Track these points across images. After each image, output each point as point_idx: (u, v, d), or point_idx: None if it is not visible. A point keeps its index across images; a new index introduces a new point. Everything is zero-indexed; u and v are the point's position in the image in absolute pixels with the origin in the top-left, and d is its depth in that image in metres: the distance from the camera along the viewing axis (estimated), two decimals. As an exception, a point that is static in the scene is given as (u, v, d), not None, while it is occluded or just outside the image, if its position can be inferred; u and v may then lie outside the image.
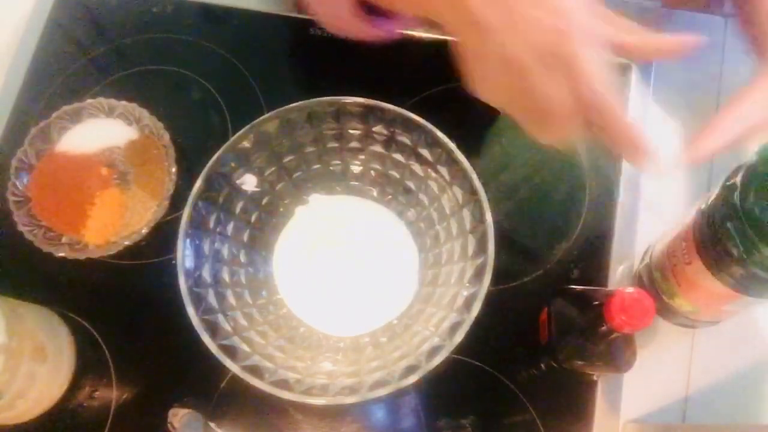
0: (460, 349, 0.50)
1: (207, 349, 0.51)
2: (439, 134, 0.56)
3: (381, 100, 0.57)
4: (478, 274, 0.54)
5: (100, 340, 0.63)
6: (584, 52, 0.39)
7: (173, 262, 0.54)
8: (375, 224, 0.65)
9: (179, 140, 0.67)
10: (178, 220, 0.55)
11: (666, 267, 0.55)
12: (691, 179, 0.67)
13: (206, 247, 0.58)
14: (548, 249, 0.65)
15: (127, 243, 0.63)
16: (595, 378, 0.60)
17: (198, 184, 0.56)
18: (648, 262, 0.60)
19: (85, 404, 0.61)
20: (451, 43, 0.44)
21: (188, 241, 0.55)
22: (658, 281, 0.57)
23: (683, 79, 0.70)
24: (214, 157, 0.56)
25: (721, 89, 0.70)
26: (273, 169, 0.63)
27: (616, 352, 0.54)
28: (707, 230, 0.48)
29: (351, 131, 0.61)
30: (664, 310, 0.59)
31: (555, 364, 0.56)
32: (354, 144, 0.63)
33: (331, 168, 0.65)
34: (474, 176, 0.55)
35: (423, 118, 0.57)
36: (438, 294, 0.59)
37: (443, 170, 0.60)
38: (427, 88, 0.71)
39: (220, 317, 0.55)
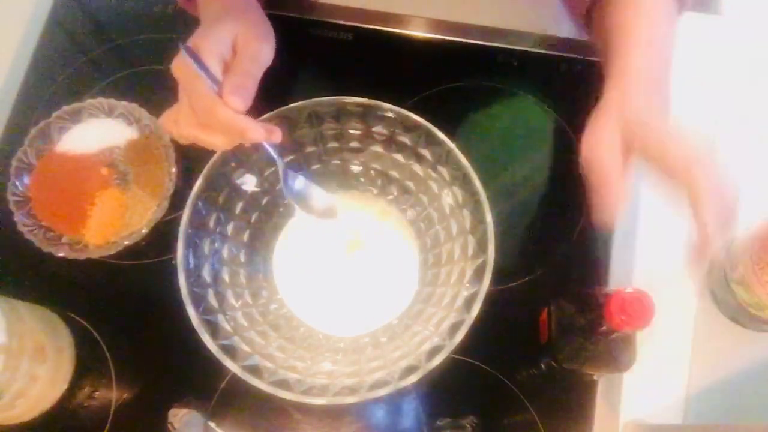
0: (460, 349, 0.50)
1: (207, 349, 0.51)
2: (439, 134, 0.56)
3: (381, 100, 0.57)
4: (478, 274, 0.54)
5: (100, 340, 0.63)
6: None
7: (173, 262, 0.54)
8: (375, 224, 0.65)
9: (179, 140, 0.67)
10: (178, 220, 0.55)
11: (754, 282, 0.55)
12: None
13: (206, 247, 0.58)
14: (548, 249, 0.65)
15: (127, 243, 0.63)
16: (595, 378, 0.60)
17: (198, 184, 0.56)
18: (722, 278, 0.60)
19: (85, 404, 0.61)
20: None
21: (188, 241, 0.55)
22: (741, 295, 0.58)
23: (682, 78, 0.70)
24: (214, 157, 0.56)
25: (719, 89, 0.70)
26: (273, 169, 0.63)
27: (616, 352, 0.54)
28: None
29: (351, 131, 0.61)
30: (747, 320, 0.60)
31: (555, 364, 0.56)
32: (354, 144, 0.63)
33: (331, 168, 0.65)
34: (474, 176, 0.55)
35: (423, 118, 0.57)
36: (438, 294, 0.59)
37: (443, 170, 0.60)
38: (427, 88, 0.71)
39: (220, 317, 0.55)
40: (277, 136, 0.52)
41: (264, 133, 0.50)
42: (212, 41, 0.51)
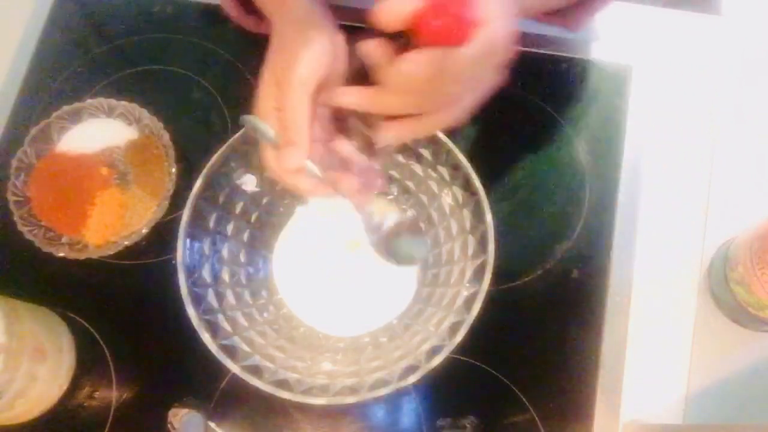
0: (460, 349, 0.50)
1: (207, 349, 0.51)
2: (439, 134, 0.56)
3: (381, 100, 0.57)
4: (478, 274, 0.54)
5: (100, 340, 0.63)
6: None
7: (173, 262, 0.54)
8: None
9: (179, 140, 0.67)
10: (178, 220, 0.55)
11: (754, 282, 0.55)
12: (691, 176, 0.67)
13: (206, 247, 0.58)
14: (548, 249, 0.65)
15: (127, 243, 0.63)
16: None
17: (198, 183, 0.56)
18: (722, 278, 0.60)
19: (85, 404, 0.61)
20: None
21: (188, 241, 0.55)
22: (741, 295, 0.58)
23: (682, 78, 0.70)
24: (214, 157, 0.56)
25: (719, 89, 0.70)
26: (273, 169, 0.63)
27: None
28: None
29: (351, 131, 0.61)
30: (747, 320, 0.60)
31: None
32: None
33: (331, 168, 0.65)
34: (474, 176, 0.55)
35: (423, 118, 0.57)
36: (438, 294, 0.59)
37: (443, 170, 0.60)
38: (427, 88, 0.71)
39: (220, 317, 0.55)
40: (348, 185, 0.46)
41: (325, 190, 0.46)
42: (261, 97, 0.47)
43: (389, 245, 0.51)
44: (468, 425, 0.59)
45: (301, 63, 0.44)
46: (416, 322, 0.59)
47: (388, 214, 0.51)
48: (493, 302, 0.53)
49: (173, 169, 0.65)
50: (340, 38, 0.47)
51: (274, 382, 0.51)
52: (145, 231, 0.63)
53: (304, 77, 0.44)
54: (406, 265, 0.53)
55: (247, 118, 0.47)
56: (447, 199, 0.61)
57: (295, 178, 0.46)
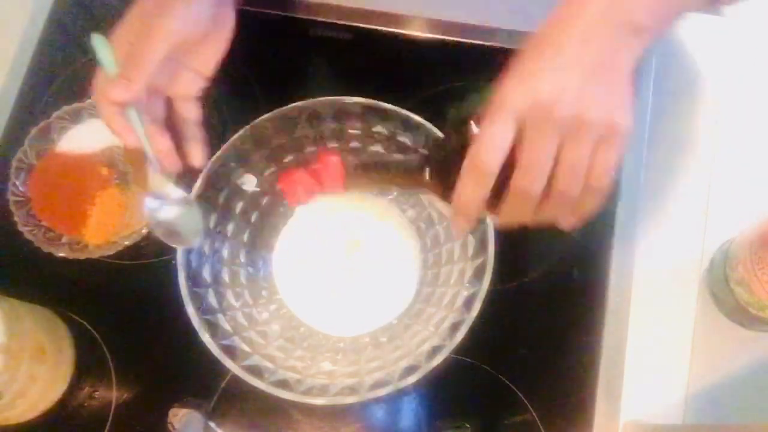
0: (460, 349, 0.50)
1: (207, 349, 0.51)
2: (440, 134, 0.56)
3: (381, 100, 0.57)
4: (478, 274, 0.54)
5: (100, 340, 0.63)
6: None
7: (173, 262, 0.54)
8: (375, 224, 0.65)
9: (179, 140, 0.67)
10: (178, 220, 0.55)
11: (754, 282, 0.55)
12: (691, 176, 0.67)
13: (206, 247, 0.58)
14: (548, 249, 0.65)
15: (127, 243, 0.63)
16: None
17: (198, 184, 0.56)
18: (722, 278, 0.59)
19: (85, 404, 0.61)
20: None
21: (188, 241, 0.55)
22: (741, 295, 0.57)
23: (682, 78, 0.70)
24: (214, 157, 0.56)
25: (719, 89, 0.70)
26: (273, 169, 0.63)
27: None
28: None
29: (351, 131, 0.61)
30: (747, 320, 0.60)
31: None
32: (354, 144, 0.63)
33: (331, 168, 0.65)
34: (474, 176, 0.55)
35: (423, 118, 0.57)
36: (438, 294, 0.59)
37: (443, 170, 0.59)
38: (427, 88, 0.71)
39: (220, 317, 0.55)
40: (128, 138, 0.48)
41: (132, 139, 0.48)
42: (122, 24, 0.49)
43: (168, 223, 0.53)
44: (468, 425, 0.59)
45: (177, 16, 0.46)
46: (416, 322, 0.59)
47: (170, 192, 0.53)
48: (493, 302, 0.53)
49: (173, 169, 0.65)
50: (229, 18, 0.52)
51: (274, 382, 0.51)
52: (145, 231, 0.63)
53: (173, 29, 0.46)
54: (183, 245, 0.54)
55: (96, 38, 0.49)
56: (447, 199, 0.61)
57: (112, 112, 0.47)
